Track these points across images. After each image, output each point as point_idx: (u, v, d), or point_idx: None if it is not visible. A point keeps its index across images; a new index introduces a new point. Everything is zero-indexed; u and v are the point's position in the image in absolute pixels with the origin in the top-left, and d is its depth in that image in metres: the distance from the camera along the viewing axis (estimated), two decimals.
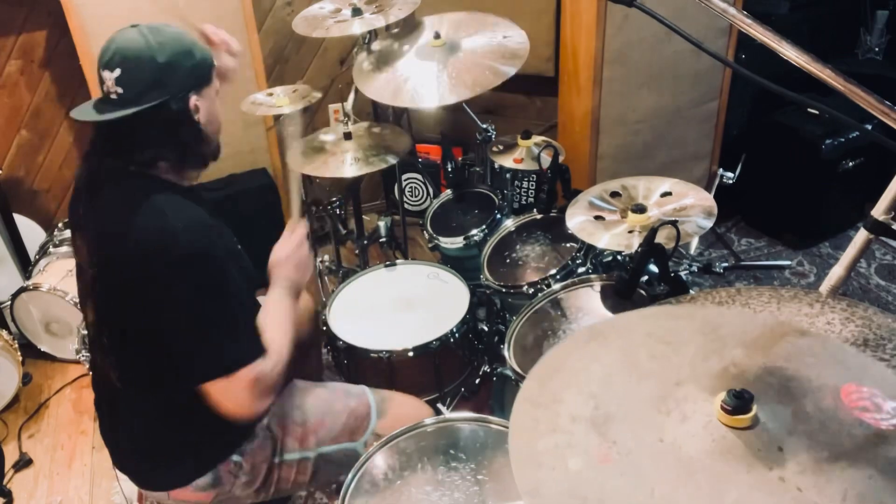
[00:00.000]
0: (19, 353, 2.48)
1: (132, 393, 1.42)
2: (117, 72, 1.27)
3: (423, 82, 1.99)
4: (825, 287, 1.16)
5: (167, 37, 1.30)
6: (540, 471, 0.77)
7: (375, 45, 2.24)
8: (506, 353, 1.65)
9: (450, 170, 2.37)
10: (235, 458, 1.43)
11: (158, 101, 1.27)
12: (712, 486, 0.72)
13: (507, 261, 2.02)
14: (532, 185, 2.55)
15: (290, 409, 1.52)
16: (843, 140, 2.71)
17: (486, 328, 2.09)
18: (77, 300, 2.35)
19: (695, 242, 2.84)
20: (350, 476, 1.35)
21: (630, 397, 0.84)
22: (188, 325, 1.26)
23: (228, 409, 1.29)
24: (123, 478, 1.51)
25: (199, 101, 1.33)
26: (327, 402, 1.56)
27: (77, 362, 2.63)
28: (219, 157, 1.46)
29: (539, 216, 2.11)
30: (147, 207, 1.27)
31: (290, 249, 1.51)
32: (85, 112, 1.32)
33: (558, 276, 1.85)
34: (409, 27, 2.29)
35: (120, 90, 1.27)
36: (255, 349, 1.30)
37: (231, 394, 1.27)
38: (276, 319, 1.41)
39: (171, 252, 1.23)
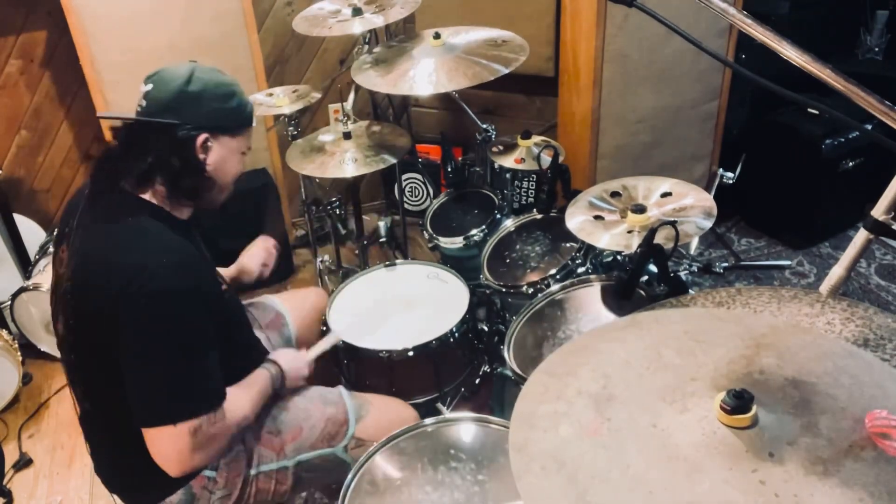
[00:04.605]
0: (19, 353, 2.48)
1: (98, 412, 1.42)
2: (149, 86, 1.33)
3: (421, 73, 2.01)
4: (825, 287, 1.16)
5: (213, 76, 1.35)
6: (533, 431, 0.82)
7: (376, 50, 2.25)
8: (506, 353, 1.65)
9: (450, 170, 2.37)
10: (208, 473, 1.40)
11: (166, 122, 1.30)
12: (687, 474, 0.73)
13: (507, 261, 2.02)
14: (532, 185, 2.55)
15: (264, 419, 1.50)
16: (843, 140, 2.71)
17: (486, 328, 2.09)
18: None
19: (695, 242, 2.84)
20: (350, 476, 1.35)
21: (640, 384, 0.85)
22: (140, 364, 1.24)
23: (159, 457, 1.26)
24: None
25: (213, 143, 1.35)
26: (304, 410, 1.55)
27: None
28: (213, 207, 1.45)
29: (539, 216, 2.11)
30: (126, 236, 1.28)
31: (301, 367, 1.57)
32: (109, 113, 1.39)
33: (558, 276, 1.85)
34: (409, 35, 2.31)
35: (144, 103, 1.33)
36: (205, 402, 1.27)
37: (165, 441, 1.24)
38: (250, 388, 1.42)
39: (136, 288, 1.21)
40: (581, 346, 0.95)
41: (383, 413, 1.60)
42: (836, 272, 1.15)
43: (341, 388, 1.63)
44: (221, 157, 1.38)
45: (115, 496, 1.49)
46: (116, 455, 1.43)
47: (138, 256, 1.24)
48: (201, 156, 1.35)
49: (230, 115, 1.37)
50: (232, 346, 1.43)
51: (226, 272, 1.77)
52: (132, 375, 1.25)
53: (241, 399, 1.37)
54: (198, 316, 1.27)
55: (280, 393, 1.52)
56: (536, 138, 2.25)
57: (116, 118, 1.37)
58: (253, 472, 1.46)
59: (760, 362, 0.85)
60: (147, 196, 1.34)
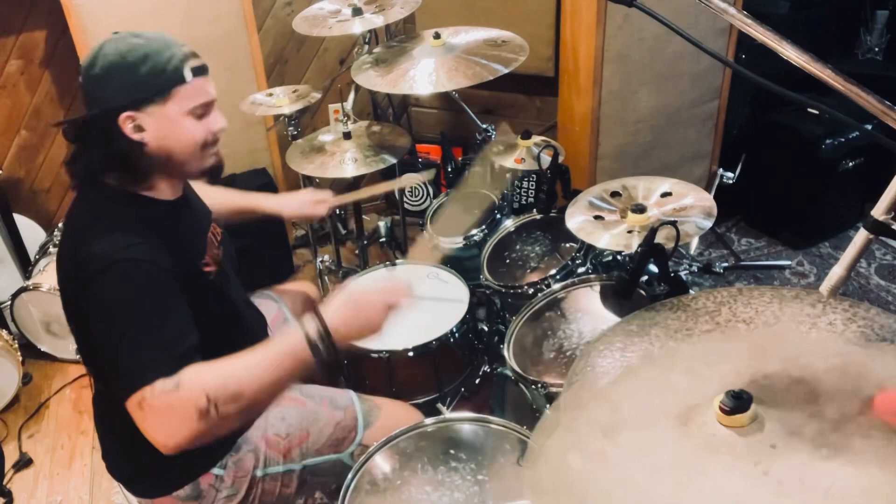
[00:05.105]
0: (19, 353, 2.48)
1: (105, 399, 1.42)
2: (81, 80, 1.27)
3: (421, 72, 2.02)
4: (825, 287, 1.16)
5: (119, 46, 1.23)
6: (543, 466, 0.84)
7: (376, 50, 2.25)
8: (506, 353, 1.65)
9: (450, 170, 2.37)
10: (216, 471, 1.40)
11: (88, 115, 1.25)
12: (689, 477, 0.74)
13: (507, 261, 2.02)
14: (532, 185, 2.55)
15: (273, 422, 1.49)
16: (843, 140, 2.71)
17: (486, 328, 2.09)
18: None
19: (695, 242, 2.84)
20: (350, 476, 1.35)
21: (647, 409, 0.86)
22: (99, 339, 1.20)
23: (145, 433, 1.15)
24: None
25: (142, 117, 1.23)
26: (313, 413, 1.53)
27: (77, 362, 2.63)
28: (195, 177, 1.38)
29: (539, 216, 2.11)
30: (84, 226, 1.26)
31: (381, 294, 1.23)
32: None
33: (558, 276, 1.85)
34: (409, 35, 2.31)
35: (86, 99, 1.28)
36: (138, 375, 1.12)
37: (135, 418, 1.15)
38: (250, 365, 1.15)
39: (82, 273, 1.19)
40: (590, 380, 0.98)
41: (392, 421, 1.56)
42: (836, 272, 1.15)
43: (352, 393, 1.61)
44: (160, 127, 1.25)
45: (121, 485, 1.48)
46: (122, 441, 1.42)
47: (82, 248, 1.22)
48: (134, 136, 1.24)
49: (146, 83, 1.22)
50: (220, 331, 1.36)
51: (266, 202, 1.76)
52: (98, 352, 1.23)
53: (225, 364, 1.16)
54: (131, 288, 1.17)
55: (327, 353, 1.18)
56: (536, 138, 2.25)
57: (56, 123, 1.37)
58: (259, 473, 1.45)
59: (766, 369, 0.85)
60: (110, 181, 1.30)
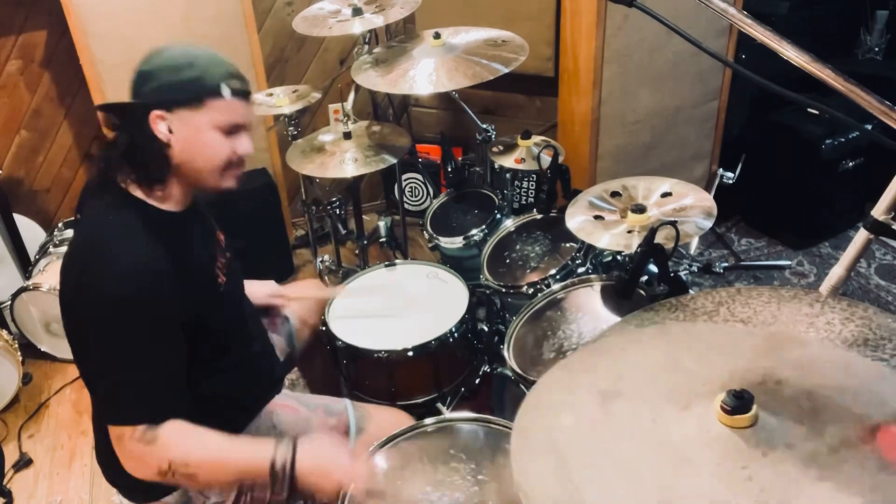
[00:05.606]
0: (19, 353, 2.48)
1: (96, 402, 1.42)
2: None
3: (421, 72, 2.02)
4: (825, 287, 1.16)
5: (174, 51, 1.28)
6: (536, 417, 0.85)
7: (376, 50, 2.25)
8: (505, 353, 1.65)
9: (450, 170, 2.37)
10: None
11: (122, 104, 1.28)
12: (675, 466, 0.74)
13: (507, 261, 2.02)
14: (532, 185, 2.55)
15: (265, 428, 1.49)
16: (843, 140, 2.71)
17: (486, 328, 2.09)
18: None
19: (695, 242, 2.84)
20: None
21: (650, 383, 0.86)
22: (93, 362, 1.27)
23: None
24: None
25: (172, 119, 1.26)
26: (305, 419, 1.53)
27: None
28: (206, 191, 1.36)
29: (539, 216, 2.11)
30: (90, 235, 1.27)
31: (340, 461, 1.30)
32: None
33: (558, 276, 1.85)
34: (409, 35, 2.31)
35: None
36: (125, 414, 1.23)
37: (112, 440, 1.25)
38: (224, 446, 1.28)
39: (92, 295, 1.21)
40: (602, 348, 0.97)
41: (384, 427, 1.54)
42: (836, 272, 1.15)
43: (347, 401, 1.61)
44: (186, 134, 1.27)
45: (115, 489, 1.48)
46: (112, 445, 1.42)
47: (89, 259, 1.23)
48: (161, 135, 1.26)
49: (183, 86, 1.25)
50: (222, 344, 1.40)
51: (260, 289, 1.75)
52: (88, 370, 1.31)
53: (198, 443, 1.26)
54: (137, 328, 1.22)
55: (281, 484, 1.27)
56: (536, 138, 2.25)
57: (99, 105, 1.38)
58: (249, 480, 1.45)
59: (780, 374, 0.84)
60: (130, 188, 1.30)
